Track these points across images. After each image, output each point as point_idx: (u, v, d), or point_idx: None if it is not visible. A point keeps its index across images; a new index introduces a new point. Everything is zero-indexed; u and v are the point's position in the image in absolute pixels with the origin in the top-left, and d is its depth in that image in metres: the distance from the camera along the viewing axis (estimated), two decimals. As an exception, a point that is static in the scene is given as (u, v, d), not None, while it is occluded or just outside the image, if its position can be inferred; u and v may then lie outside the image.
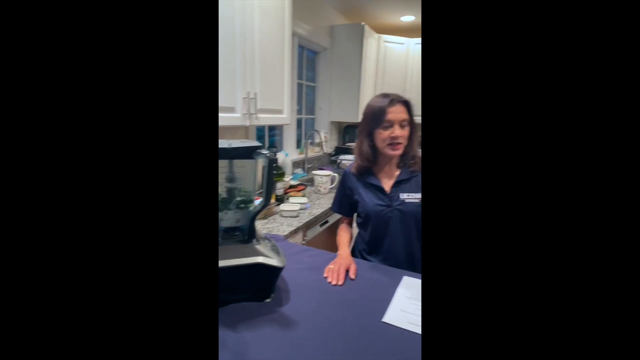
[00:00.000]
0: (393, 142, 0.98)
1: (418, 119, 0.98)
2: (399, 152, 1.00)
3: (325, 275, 0.89)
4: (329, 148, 2.92)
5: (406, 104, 1.00)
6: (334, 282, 0.85)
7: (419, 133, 1.04)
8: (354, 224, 1.19)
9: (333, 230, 1.93)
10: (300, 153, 2.55)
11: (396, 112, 0.97)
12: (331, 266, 0.91)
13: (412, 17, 2.85)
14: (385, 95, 0.99)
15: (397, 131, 0.97)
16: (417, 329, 0.69)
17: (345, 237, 1.11)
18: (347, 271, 0.90)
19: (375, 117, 0.99)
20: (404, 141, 1.00)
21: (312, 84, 2.78)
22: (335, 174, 1.97)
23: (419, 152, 1.05)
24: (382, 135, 0.99)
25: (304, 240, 1.48)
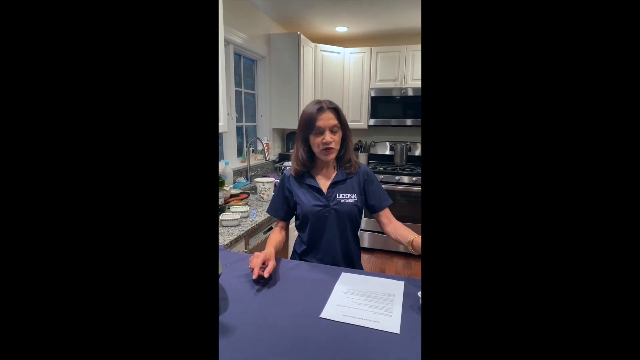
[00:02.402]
0: (325, 148, 1.02)
1: (353, 124, 1.03)
2: (332, 156, 1.05)
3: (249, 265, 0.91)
4: (272, 155, 2.92)
5: (336, 110, 1.03)
6: (254, 275, 0.87)
7: (352, 137, 1.10)
8: (292, 225, 1.21)
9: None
10: (243, 161, 2.52)
11: (326, 119, 1.01)
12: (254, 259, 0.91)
13: (345, 28, 2.99)
14: (317, 102, 1.03)
15: (328, 137, 1.01)
16: (352, 320, 0.73)
17: (275, 238, 1.09)
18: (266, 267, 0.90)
19: (307, 124, 1.03)
20: (335, 146, 1.04)
21: (252, 92, 2.76)
22: (278, 180, 1.98)
23: (353, 158, 1.10)
24: (315, 141, 1.03)
25: (246, 248, 1.47)
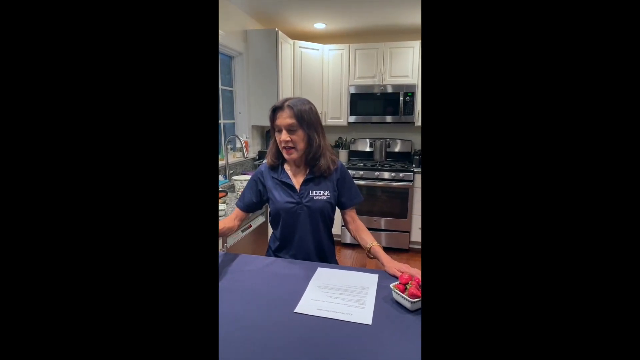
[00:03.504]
0: (285, 146, 1.02)
1: (333, 121, 1.01)
2: (292, 156, 1.03)
3: None
4: (251, 153, 2.89)
5: (292, 109, 0.98)
6: None
7: (322, 140, 1.04)
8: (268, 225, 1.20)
9: (256, 234, 1.92)
10: (221, 159, 2.48)
11: (282, 118, 0.99)
12: None
13: (323, 25, 2.99)
14: (283, 100, 1.02)
15: (284, 135, 1.00)
16: (326, 314, 0.74)
17: (224, 222, 1.08)
18: None
19: (270, 121, 1.04)
20: (295, 145, 1.01)
21: (230, 89, 2.72)
22: (257, 178, 1.97)
23: (326, 159, 1.06)
24: (277, 139, 1.03)
25: (223, 247, 1.45)
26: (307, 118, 1.00)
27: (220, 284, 0.87)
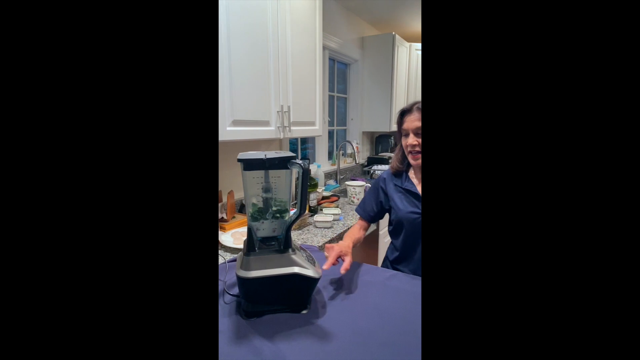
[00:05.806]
0: (412, 151, 0.96)
1: None
2: (418, 161, 0.97)
3: (325, 252, 0.88)
4: (361, 159, 2.90)
5: (422, 112, 0.95)
6: (326, 265, 0.80)
7: None
8: (383, 231, 1.16)
9: (367, 241, 1.89)
10: (333, 164, 2.56)
11: (411, 121, 0.95)
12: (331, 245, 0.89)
13: (444, 24, 2.80)
14: (412, 103, 0.98)
15: (411, 139, 0.95)
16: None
17: (355, 234, 1.05)
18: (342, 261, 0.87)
19: (397, 125, 1.01)
20: (422, 150, 0.96)
21: (344, 96, 2.80)
22: (368, 185, 1.95)
23: None
24: (404, 143, 0.99)
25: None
26: None
27: (341, 291, 0.87)
